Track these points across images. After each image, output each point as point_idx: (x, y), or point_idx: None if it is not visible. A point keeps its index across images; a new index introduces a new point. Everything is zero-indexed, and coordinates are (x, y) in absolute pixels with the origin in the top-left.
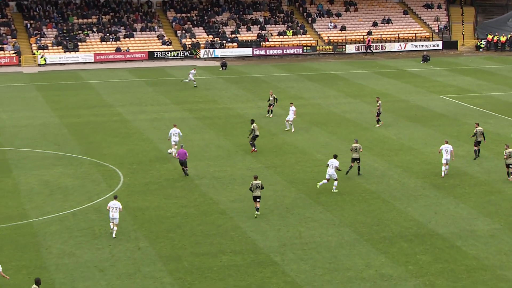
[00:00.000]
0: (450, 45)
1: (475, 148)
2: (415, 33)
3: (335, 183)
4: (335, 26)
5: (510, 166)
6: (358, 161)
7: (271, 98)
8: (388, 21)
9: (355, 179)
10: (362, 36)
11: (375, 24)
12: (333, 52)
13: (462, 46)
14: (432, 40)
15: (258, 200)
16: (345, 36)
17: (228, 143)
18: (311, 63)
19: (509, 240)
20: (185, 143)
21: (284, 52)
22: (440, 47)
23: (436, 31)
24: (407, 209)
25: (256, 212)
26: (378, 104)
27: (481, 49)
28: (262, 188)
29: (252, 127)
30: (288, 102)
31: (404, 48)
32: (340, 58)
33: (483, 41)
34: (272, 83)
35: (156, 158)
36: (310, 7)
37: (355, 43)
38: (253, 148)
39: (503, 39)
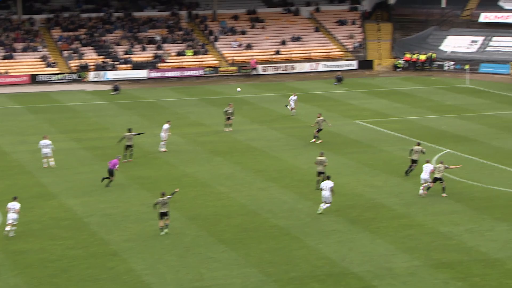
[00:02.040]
0: (365, 64)
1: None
2: (328, 52)
3: (327, 205)
4: (240, 45)
5: (439, 181)
6: (323, 175)
7: (229, 111)
8: (298, 38)
9: (261, 214)
10: (269, 56)
11: (283, 42)
12: (237, 74)
13: (378, 66)
14: (346, 60)
15: (166, 217)
16: (251, 55)
17: (121, 176)
18: (213, 86)
19: (430, 278)
20: (73, 177)
21: (183, 74)
22: (355, 67)
23: (351, 49)
24: (319, 246)
25: (165, 230)
26: (318, 120)
27: (399, 69)
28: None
29: (124, 135)
30: (187, 129)
31: (316, 69)
32: (246, 80)
33: (401, 60)
34: (170, 108)
35: (39, 194)
36: (212, 24)
37: (262, 64)
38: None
39: (422, 57)
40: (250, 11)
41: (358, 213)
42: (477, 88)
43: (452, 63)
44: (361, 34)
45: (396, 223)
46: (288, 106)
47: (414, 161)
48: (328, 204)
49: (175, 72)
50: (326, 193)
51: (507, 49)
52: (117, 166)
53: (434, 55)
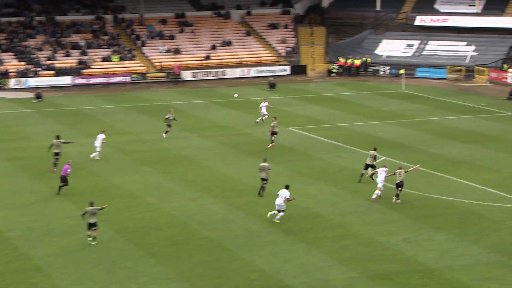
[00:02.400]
0: (298, 70)
1: (363, 172)
2: (260, 57)
3: (281, 214)
4: (168, 50)
5: (399, 188)
6: (265, 182)
7: (171, 118)
8: (229, 43)
9: (191, 226)
10: (199, 61)
11: (213, 47)
12: (166, 80)
13: (312, 71)
14: (279, 65)
15: (94, 228)
16: (180, 61)
17: (44, 188)
18: (141, 92)
19: None
20: None
21: (110, 81)
22: (288, 72)
23: (283, 54)
24: (253, 258)
25: (90, 239)
26: (273, 124)
27: (333, 74)
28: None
29: (52, 142)
30: (114, 138)
31: (248, 74)
32: (174, 86)
33: (335, 65)
34: (96, 116)
35: None
36: (139, 28)
37: (191, 69)
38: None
39: (357, 62)
40: (178, 14)
41: (293, 224)
42: (413, 93)
43: (388, 67)
44: (294, 38)
45: (332, 233)
46: (260, 118)
47: (370, 166)
48: (282, 213)
49: (101, 78)
50: (279, 201)
51: (443, 53)
52: (68, 171)
53: (369, 60)
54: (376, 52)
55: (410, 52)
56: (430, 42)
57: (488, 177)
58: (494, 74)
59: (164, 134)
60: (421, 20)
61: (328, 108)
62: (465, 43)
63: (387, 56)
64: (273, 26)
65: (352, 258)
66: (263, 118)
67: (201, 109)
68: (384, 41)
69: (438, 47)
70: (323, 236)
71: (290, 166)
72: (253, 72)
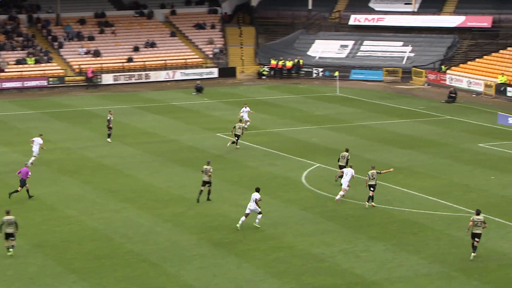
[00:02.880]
0: (227, 72)
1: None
2: (185, 59)
3: (259, 216)
4: (88, 52)
5: (372, 188)
6: (209, 185)
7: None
8: (153, 44)
9: (115, 239)
10: (121, 64)
11: (136, 49)
12: (85, 84)
13: (241, 74)
14: (206, 67)
15: (12, 238)
16: (101, 63)
17: None
18: (59, 97)
19: None
20: None
21: (25, 85)
22: (216, 75)
23: (211, 56)
24: (180, 272)
25: (10, 252)
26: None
27: (264, 77)
28: (16, 225)
29: None
30: (30, 146)
31: (173, 77)
32: (95, 91)
33: (266, 67)
34: (10, 123)
35: None
36: (55, 29)
37: (113, 72)
38: None
39: (289, 64)
40: (98, 14)
41: (223, 235)
42: (348, 96)
43: (321, 69)
44: (221, 39)
45: (264, 245)
46: (244, 125)
47: (342, 167)
48: (259, 215)
49: (15, 82)
50: (252, 205)
51: (379, 54)
52: (29, 174)
53: (301, 61)
54: (308, 53)
55: (344, 53)
56: (365, 42)
57: (427, 184)
58: (432, 76)
59: (108, 139)
60: (356, 19)
61: (259, 113)
62: (401, 43)
63: (320, 58)
64: (200, 26)
65: (285, 271)
66: (245, 125)
67: (124, 115)
68: (317, 41)
69: (373, 47)
70: (255, 248)
71: (220, 174)
72: (178, 75)
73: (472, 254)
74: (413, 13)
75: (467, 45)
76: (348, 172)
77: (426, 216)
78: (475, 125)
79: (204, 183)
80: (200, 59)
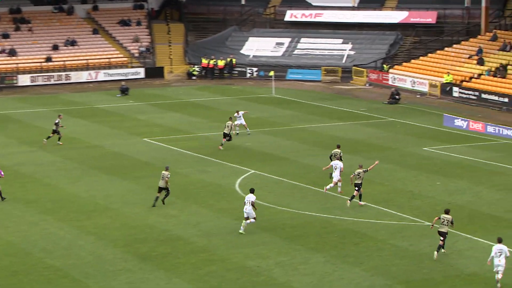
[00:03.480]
0: (154, 72)
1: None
2: (109, 58)
3: (251, 220)
4: (2, 51)
5: (356, 188)
6: (166, 191)
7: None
8: (73, 43)
9: (33, 254)
10: (39, 63)
11: (55, 47)
12: (0, 85)
13: (170, 74)
14: (132, 67)
15: None
16: (16, 63)
17: None
18: None
19: None
20: None
21: None
22: (142, 75)
23: (136, 55)
24: None
25: None
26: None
27: (194, 77)
28: None
29: None
30: None
31: (96, 78)
32: (10, 92)
33: (196, 66)
34: None
35: None
36: None
37: (30, 73)
38: None
39: (221, 63)
40: (13, 10)
41: (150, 248)
42: (285, 97)
43: (255, 69)
44: (148, 37)
45: (195, 258)
46: (237, 129)
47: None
48: (252, 220)
49: None
50: (247, 208)
51: (317, 52)
52: (2, 173)
53: (234, 60)
54: (242, 51)
55: (280, 52)
56: (302, 39)
57: (370, 191)
58: (373, 76)
59: (58, 142)
60: (292, 15)
61: (189, 116)
62: (341, 40)
63: (254, 56)
64: (124, 23)
65: (218, 287)
66: (237, 129)
67: (43, 119)
68: (251, 39)
69: (311, 45)
70: (185, 261)
71: (146, 182)
72: (102, 75)
73: (435, 252)
74: (353, 8)
75: (411, 42)
76: (337, 166)
77: (368, 225)
78: (420, 127)
79: (160, 189)
80: (125, 59)
